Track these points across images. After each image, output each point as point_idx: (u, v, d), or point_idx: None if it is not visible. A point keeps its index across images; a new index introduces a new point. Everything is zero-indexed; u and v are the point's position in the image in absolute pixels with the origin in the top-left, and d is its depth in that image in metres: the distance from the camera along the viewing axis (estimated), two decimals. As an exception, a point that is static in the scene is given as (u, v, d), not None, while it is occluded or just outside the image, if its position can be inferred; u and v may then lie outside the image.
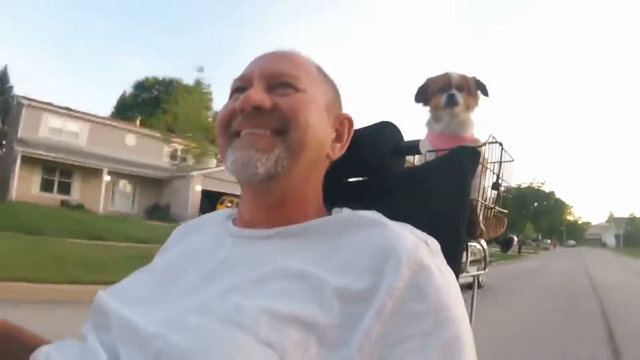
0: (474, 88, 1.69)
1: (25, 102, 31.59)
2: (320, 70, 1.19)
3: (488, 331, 7.41)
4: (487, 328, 7.64)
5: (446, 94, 1.63)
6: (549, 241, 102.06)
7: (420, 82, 1.75)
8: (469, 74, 1.70)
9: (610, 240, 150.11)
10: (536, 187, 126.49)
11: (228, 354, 0.77)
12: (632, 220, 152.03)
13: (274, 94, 1.06)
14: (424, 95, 1.70)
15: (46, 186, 31.89)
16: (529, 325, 9.14)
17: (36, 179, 31.11)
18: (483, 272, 1.50)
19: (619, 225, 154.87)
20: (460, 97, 1.63)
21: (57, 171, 32.16)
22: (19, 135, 30.41)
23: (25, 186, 29.30)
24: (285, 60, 1.13)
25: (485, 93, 1.73)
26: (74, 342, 1.02)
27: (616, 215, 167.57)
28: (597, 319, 10.03)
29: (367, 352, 0.80)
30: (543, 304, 12.34)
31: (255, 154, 1.01)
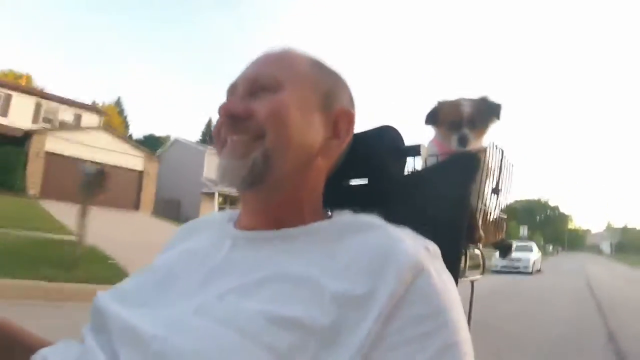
0: (486, 116, 1.40)
1: (207, 149, 35.73)
2: (314, 65, 0.98)
3: (558, 284, 21.13)
4: (555, 282, 21.91)
5: (457, 135, 1.35)
6: (551, 248, 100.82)
7: (431, 104, 1.46)
8: (480, 94, 1.39)
9: (606, 248, 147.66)
10: (543, 202, 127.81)
11: (227, 357, 0.68)
12: (624, 230, 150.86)
13: (254, 99, 0.90)
14: (434, 118, 1.43)
15: (221, 213, 37.16)
16: (562, 280, 23.51)
17: (214, 208, 34.50)
18: (480, 277, 1.30)
19: (614, 235, 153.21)
20: (472, 136, 1.35)
21: (228, 200, 36.05)
22: (204, 175, 34.42)
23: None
24: (268, 63, 0.95)
25: (497, 115, 1.42)
26: (74, 343, 0.90)
27: (614, 224, 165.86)
28: (584, 279, 24.82)
29: (365, 355, 0.70)
30: (565, 275, 28.10)
31: (232, 162, 0.88)
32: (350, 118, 0.97)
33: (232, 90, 0.96)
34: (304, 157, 0.92)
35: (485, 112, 1.39)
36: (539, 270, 29.61)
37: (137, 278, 0.97)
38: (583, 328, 9.65)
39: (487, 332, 7.86)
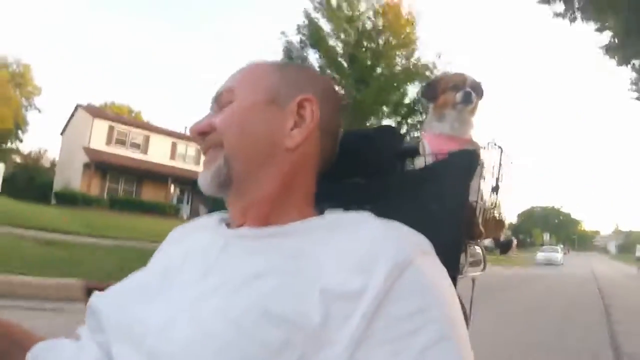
0: (481, 90, 1.20)
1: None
2: (276, 66, 0.87)
3: (574, 271, 29.49)
4: (572, 270, 30.32)
5: (463, 90, 1.15)
6: (562, 246, 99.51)
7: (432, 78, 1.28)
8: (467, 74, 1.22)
9: (612, 248, 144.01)
10: (556, 209, 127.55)
11: (220, 352, 0.60)
12: (628, 233, 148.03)
13: (219, 113, 0.83)
14: (433, 91, 1.21)
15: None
16: (576, 266, 39.38)
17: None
18: (481, 273, 1.11)
19: (619, 237, 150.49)
20: (474, 98, 1.16)
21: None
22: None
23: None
24: (230, 77, 0.86)
25: (480, 93, 1.20)
26: (69, 340, 0.80)
27: (621, 227, 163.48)
28: (589, 269, 32.59)
29: (354, 351, 0.60)
30: (576, 266, 38.92)
31: (203, 171, 0.82)
32: (312, 103, 0.82)
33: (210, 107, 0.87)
34: (266, 154, 0.80)
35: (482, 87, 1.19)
36: (562, 264, 41.54)
37: (133, 279, 0.85)
38: (586, 288, 16.69)
39: (538, 289, 14.98)
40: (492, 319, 6.79)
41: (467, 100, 1.14)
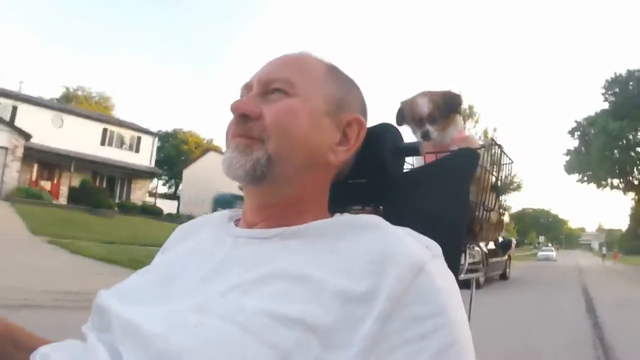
0: (447, 108, 1.09)
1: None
2: (329, 71, 0.77)
3: (564, 263, 41.26)
4: (562, 263, 41.84)
5: (420, 131, 1.08)
6: (550, 245, 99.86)
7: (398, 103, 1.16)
8: (442, 88, 1.10)
9: (595, 246, 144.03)
10: (546, 211, 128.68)
11: (229, 354, 0.54)
12: (610, 231, 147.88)
13: (266, 100, 0.71)
14: (400, 119, 1.13)
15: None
16: (565, 260, 49.10)
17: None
18: (481, 274, 1.02)
19: (601, 235, 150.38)
20: (433, 132, 1.07)
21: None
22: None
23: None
24: (284, 65, 0.75)
25: (458, 107, 1.11)
26: (74, 341, 0.70)
27: (604, 225, 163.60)
28: (575, 262, 43.86)
29: (367, 354, 0.56)
30: (566, 260, 48.44)
31: (236, 156, 0.69)
32: (360, 125, 0.77)
33: (247, 89, 0.76)
34: (309, 162, 0.72)
35: (447, 105, 1.09)
36: (556, 260, 49.64)
37: (138, 277, 0.77)
38: (572, 272, 24.95)
39: (541, 274, 21.68)
40: (533, 280, 17.88)
41: (425, 138, 1.07)
